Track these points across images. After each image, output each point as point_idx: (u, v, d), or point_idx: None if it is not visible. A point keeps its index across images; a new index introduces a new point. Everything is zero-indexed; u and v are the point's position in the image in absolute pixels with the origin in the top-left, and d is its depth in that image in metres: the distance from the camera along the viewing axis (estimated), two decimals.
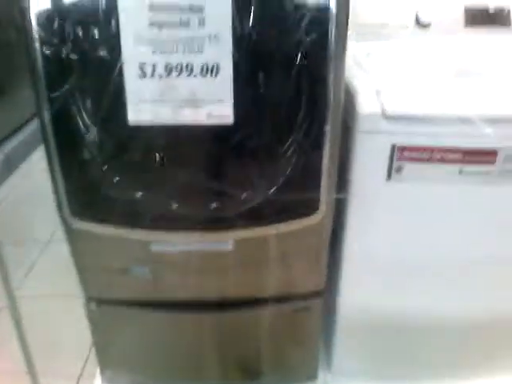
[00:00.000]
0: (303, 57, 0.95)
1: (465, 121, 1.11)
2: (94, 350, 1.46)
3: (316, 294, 1.32)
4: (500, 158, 1.16)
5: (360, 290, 1.37)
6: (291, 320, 1.34)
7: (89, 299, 1.29)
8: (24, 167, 3.08)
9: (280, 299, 1.29)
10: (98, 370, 1.50)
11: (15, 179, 2.98)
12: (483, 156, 1.16)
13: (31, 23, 0.92)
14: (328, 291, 1.38)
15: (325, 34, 0.95)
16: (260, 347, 1.40)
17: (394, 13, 1.49)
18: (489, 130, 1.12)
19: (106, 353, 1.43)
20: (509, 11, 1.49)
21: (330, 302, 1.43)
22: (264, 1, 0.92)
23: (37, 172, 2.63)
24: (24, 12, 0.92)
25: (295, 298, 1.31)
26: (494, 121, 1.12)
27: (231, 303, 1.29)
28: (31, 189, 2.67)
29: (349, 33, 1.43)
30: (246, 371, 1.46)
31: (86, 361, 1.69)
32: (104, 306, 1.29)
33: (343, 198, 1.25)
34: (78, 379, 1.64)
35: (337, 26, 0.96)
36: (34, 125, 3.05)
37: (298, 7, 0.93)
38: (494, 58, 1.42)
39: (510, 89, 1.23)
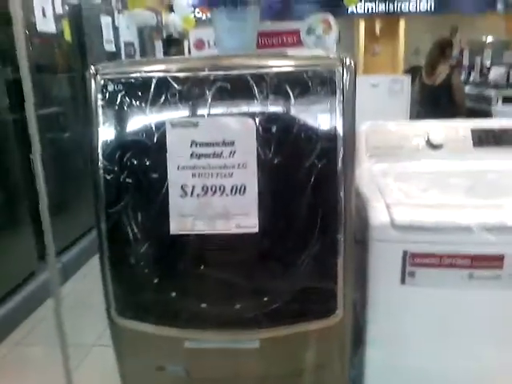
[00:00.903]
0: (316, 178, 1.13)
1: (468, 229, 1.23)
2: None
3: None
4: (507, 262, 1.25)
5: None
6: None
7: None
8: (77, 276, 3.33)
9: None
10: None
11: (69, 286, 3.22)
12: (491, 261, 1.26)
13: (98, 156, 1.17)
14: None
15: (334, 160, 1.14)
16: None
17: (408, 136, 1.68)
18: (492, 237, 1.23)
19: None
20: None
21: None
22: (282, 135, 1.14)
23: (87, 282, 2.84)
24: (93, 147, 1.17)
25: None
26: (498, 229, 1.24)
27: None
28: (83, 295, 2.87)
29: (367, 155, 1.64)
30: None
31: None
32: None
33: (364, 302, 1.35)
34: None
35: (344, 153, 1.15)
36: (86, 240, 3.37)
37: (310, 139, 1.14)
38: (501, 175, 1.56)
39: None
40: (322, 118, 1.15)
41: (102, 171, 1.18)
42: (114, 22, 4.02)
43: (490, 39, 6.46)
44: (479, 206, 1.32)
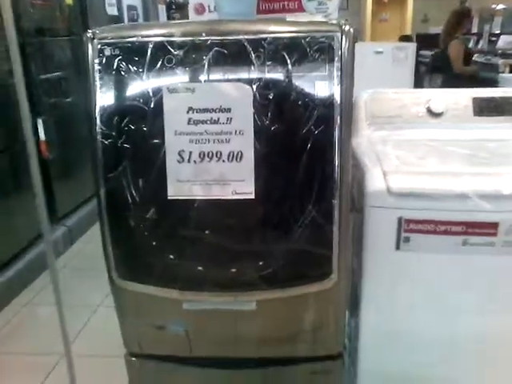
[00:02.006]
0: (312, 145, 1.14)
1: (463, 196, 1.25)
2: None
3: (334, 357, 1.41)
4: (501, 229, 1.27)
5: (378, 355, 1.45)
6: (311, 381, 1.42)
7: (130, 354, 1.45)
8: (82, 240, 3.40)
9: (298, 360, 1.39)
10: None
11: (75, 248, 3.30)
12: (485, 228, 1.27)
13: (96, 121, 1.18)
14: (349, 356, 1.47)
15: (331, 127, 1.15)
16: None
17: (408, 104, 1.67)
18: (487, 205, 1.24)
19: None
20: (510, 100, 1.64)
21: (350, 366, 1.51)
22: (279, 102, 1.14)
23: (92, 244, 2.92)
24: (90, 112, 1.18)
25: (314, 360, 1.40)
26: (493, 197, 1.25)
27: (257, 362, 1.40)
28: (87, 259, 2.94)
29: (367, 123, 1.64)
30: None
31: None
32: (143, 360, 1.44)
33: (359, 267, 1.38)
34: None
35: (341, 120, 1.15)
36: (91, 204, 3.42)
37: (307, 106, 1.14)
38: (501, 144, 1.55)
39: (510, 169, 1.35)
40: (320, 85, 1.14)
41: (99, 136, 1.19)
42: None
43: (500, 7, 6.30)
44: (476, 173, 1.32)
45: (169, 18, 5.65)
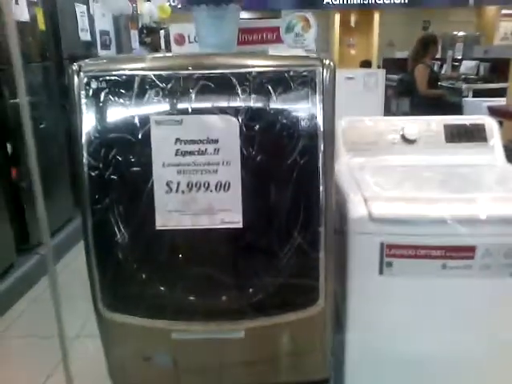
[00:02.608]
0: (298, 174, 1.18)
1: (442, 222, 1.30)
2: None
3: (321, 382, 1.42)
4: (478, 253, 1.32)
5: (365, 378, 1.47)
6: None
7: None
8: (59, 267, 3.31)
9: None
10: None
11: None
12: (463, 252, 1.33)
13: (82, 152, 1.18)
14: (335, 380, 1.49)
15: (315, 156, 1.19)
16: None
17: (384, 131, 1.74)
18: (464, 229, 1.30)
19: None
20: (484, 127, 1.72)
21: None
22: (264, 133, 1.17)
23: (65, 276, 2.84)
24: (77, 143, 1.18)
25: None
26: (470, 222, 1.31)
27: None
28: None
29: (345, 150, 1.69)
30: None
31: None
32: None
33: (344, 292, 1.41)
34: None
35: (325, 149, 1.19)
36: (69, 228, 3.34)
37: (291, 136, 1.18)
38: (472, 169, 1.63)
39: (484, 195, 1.42)
40: (303, 116, 1.19)
41: (86, 168, 1.19)
42: (89, 10, 3.95)
43: (461, 33, 6.62)
44: (452, 199, 1.38)
45: (141, 42, 5.68)
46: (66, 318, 2.51)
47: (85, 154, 1.18)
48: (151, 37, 5.78)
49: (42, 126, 3.24)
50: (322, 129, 1.19)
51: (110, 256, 1.24)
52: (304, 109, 1.19)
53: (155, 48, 5.51)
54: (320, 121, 1.19)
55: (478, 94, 4.86)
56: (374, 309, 1.39)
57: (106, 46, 4.51)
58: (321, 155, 1.18)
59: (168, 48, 3.54)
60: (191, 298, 1.25)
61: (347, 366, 1.46)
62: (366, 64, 7.11)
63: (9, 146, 2.89)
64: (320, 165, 1.19)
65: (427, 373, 1.44)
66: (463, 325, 1.38)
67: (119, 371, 1.40)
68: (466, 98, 4.74)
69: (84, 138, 1.18)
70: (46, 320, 2.12)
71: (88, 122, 1.18)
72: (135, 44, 5.46)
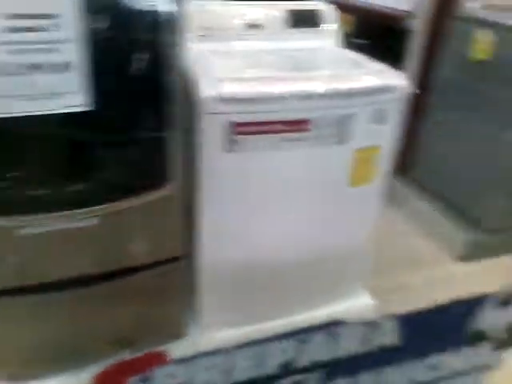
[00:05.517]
0: (144, 53, 1.17)
1: (282, 98, 1.42)
2: None
3: (175, 260, 1.53)
4: (312, 125, 1.48)
5: (217, 250, 1.63)
6: (155, 285, 1.53)
7: None
8: None
9: (141, 267, 1.47)
10: None
11: None
12: (299, 125, 1.48)
13: None
14: (190, 254, 1.62)
15: (166, 35, 1.18)
16: (129, 316, 1.55)
17: (231, 16, 1.77)
18: (299, 104, 1.44)
19: None
20: (318, 13, 1.85)
21: (194, 264, 1.67)
22: (112, 10, 1.12)
23: None
24: None
25: (155, 265, 1.49)
26: (306, 97, 1.45)
27: (98, 276, 1.42)
28: None
29: (194, 35, 1.70)
30: (118, 342, 1.57)
31: None
32: None
33: (195, 172, 1.49)
34: None
35: (175, 29, 1.19)
36: None
37: (139, 14, 1.15)
38: (312, 52, 1.80)
39: (319, 74, 1.57)
40: None
41: None
42: None
43: None
44: (293, 78, 1.51)
45: None
46: None
47: None
48: None
49: None
50: (175, 8, 1.17)
51: None
52: None
53: None
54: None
55: None
56: (223, 185, 1.51)
57: None
58: (171, 35, 1.18)
59: None
60: (38, 188, 1.21)
61: (202, 241, 1.60)
62: None
63: None
64: (170, 44, 1.19)
65: (276, 244, 1.67)
66: (304, 193, 1.61)
67: None
68: None
69: None
70: None
71: None
72: None
